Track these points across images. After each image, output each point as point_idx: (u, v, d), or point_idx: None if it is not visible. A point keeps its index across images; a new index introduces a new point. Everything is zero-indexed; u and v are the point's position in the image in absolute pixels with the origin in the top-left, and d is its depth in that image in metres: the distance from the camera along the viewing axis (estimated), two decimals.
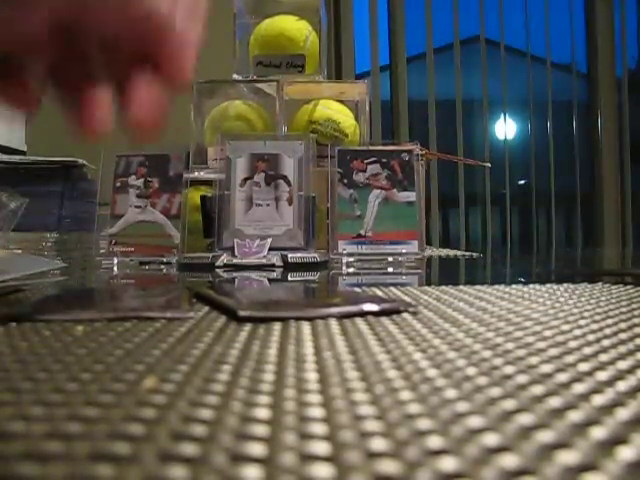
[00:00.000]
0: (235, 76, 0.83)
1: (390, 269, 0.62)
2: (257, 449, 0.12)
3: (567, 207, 2.59)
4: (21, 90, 0.29)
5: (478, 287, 0.38)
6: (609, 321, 0.26)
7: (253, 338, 0.23)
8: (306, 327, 0.25)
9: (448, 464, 0.11)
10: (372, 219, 0.68)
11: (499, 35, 2.27)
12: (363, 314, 0.27)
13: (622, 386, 0.16)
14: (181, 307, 0.30)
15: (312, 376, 0.17)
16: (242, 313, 0.27)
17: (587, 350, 0.21)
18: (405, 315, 0.28)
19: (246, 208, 0.66)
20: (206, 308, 0.31)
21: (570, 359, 0.19)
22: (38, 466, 0.11)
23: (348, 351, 0.21)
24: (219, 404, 0.15)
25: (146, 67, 0.27)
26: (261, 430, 0.13)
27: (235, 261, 0.60)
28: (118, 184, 0.68)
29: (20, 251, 0.72)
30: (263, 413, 0.14)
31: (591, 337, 0.23)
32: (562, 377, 0.17)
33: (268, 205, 0.66)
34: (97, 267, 0.64)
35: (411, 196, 0.70)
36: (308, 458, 0.11)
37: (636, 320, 0.27)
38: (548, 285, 0.39)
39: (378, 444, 0.12)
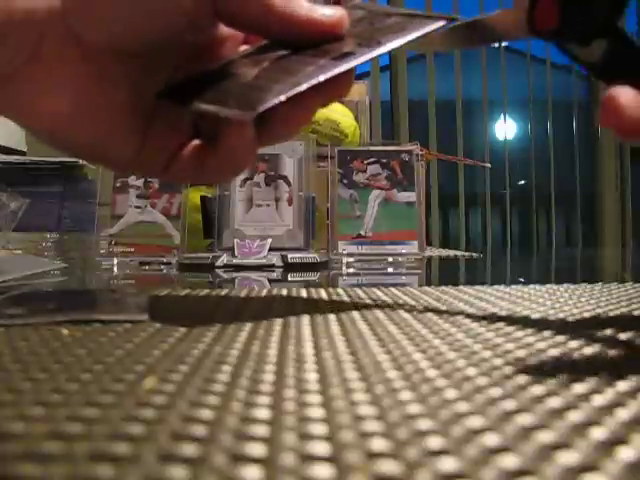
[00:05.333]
0: None
1: (390, 269, 0.62)
2: (257, 449, 0.12)
3: (567, 207, 2.59)
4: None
5: (478, 287, 0.38)
6: (609, 321, 0.26)
7: (253, 338, 0.23)
8: (306, 328, 0.25)
9: (448, 464, 0.11)
10: (372, 219, 0.68)
11: None
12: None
13: (622, 386, 0.16)
14: (134, 310, 0.29)
15: (312, 376, 0.17)
16: None
17: (587, 350, 0.21)
18: (405, 315, 0.28)
19: (246, 208, 0.66)
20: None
21: (570, 359, 0.19)
22: (38, 466, 0.11)
23: (348, 351, 0.21)
24: (219, 404, 0.15)
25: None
26: (261, 430, 0.13)
27: (235, 261, 0.60)
28: (118, 184, 0.68)
29: (20, 251, 0.72)
30: (263, 413, 0.14)
31: (591, 337, 0.23)
32: (562, 377, 0.17)
33: (268, 205, 0.66)
34: (97, 267, 0.64)
35: (411, 196, 0.70)
36: (308, 458, 0.11)
37: (636, 320, 0.27)
38: (548, 285, 0.39)
39: (378, 444, 0.12)
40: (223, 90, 0.26)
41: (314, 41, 0.27)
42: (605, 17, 0.25)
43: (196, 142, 0.30)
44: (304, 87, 0.25)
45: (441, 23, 0.28)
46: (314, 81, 0.25)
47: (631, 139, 0.22)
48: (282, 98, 0.24)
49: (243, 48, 0.30)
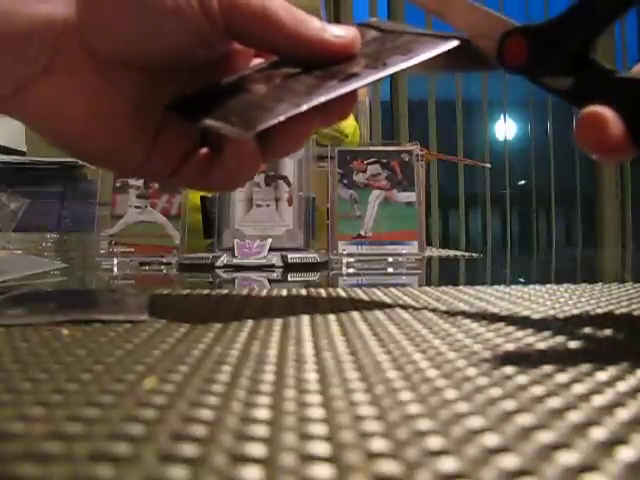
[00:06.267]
0: None
1: (390, 269, 0.62)
2: (257, 449, 0.12)
3: (567, 207, 2.59)
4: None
5: (478, 287, 0.38)
6: (609, 321, 0.26)
7: (253, 338, 0.23)
8: (306, 328, 0.25)
9: (448, 464, 0.11)
10: (372, 219, 0.68)
11: None
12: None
13: (622, 386, 0.16)
14: (134, 310, 0.29)
15: (312, 376, 0.17)
16: None
17: (587, 350, 0.21)
18: (405, 315, 0.28)
19: (246, 208, 0.66)
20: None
21: (570, 359, 0.19)
22: (38, 466, 0.11)
23: (348, 351, 0.21)
24: (219, 404, 0.15)
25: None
26: (261, 430, 0.13)
27: (235, 261, 0.60)
28: (118, 184, 0.68)
29: (20, 251, 0.72)
30: (263, 413, 0.14)
31: (591, 337, 0.23)
32: (562, 377, 0.17)
33: (268, 206, 0.66)
34: (97, 267, 0.64)
35: (411, 196, 0.70)
36: (308, 458, 0.11)
37: (636, 320, 0.27)
38: (548, 285, 0.39)
39: (378, 444, 0.12)
40: (229, 107, 0.27)
41: (325, 60, 0.27)
42: (574, 54, 0.25)
43: (204, 150, 0.30)
44: (304, 108, 0.25)
45: (452, 44, 0.28)
46: (314, 102, 0.25)
47: (609, 155, 0.22)
48: (281, 118, 0.25)
49: (256, 62, 0.30)
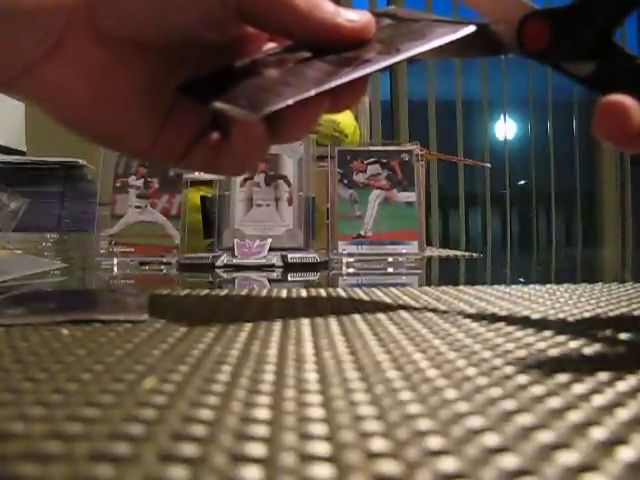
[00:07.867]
0: None
1: (390, 269, 0.62)
2: (257, 449, 0.12)
3: (567, 207, 2.59)
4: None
5: (478, 287, 0.38)
6: (609, 321, 0.26)
7: (253, 338, 0.23)
8: (306, 327, 0.25)
9: (448, 464, 0.11)
10: (372, 219, 0.68)
11: None
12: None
13: (622, 386, 0.16)
14: (134, 310, 0.29)
15: (312, 376, 0.17)
16: None
17: (587, 350, 0.21)
18: (405, 315, 0.28)
19: (246, 208, 0.66)
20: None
21: (570, 359, 0.19)
22: (38, 466, 0.11)
23: (348, 351, 0.21)
24: (219, 404, 0.15)
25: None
26: (261, 430, 0.13)
27: (235, 261, 0.60)
28: (118, 184, 0.68)
29: (20, 251, 0.72)
30: (263, 413, 0.14)
31: (591, 337, 0.23)
32: (562, 377, 0.17)
33: (268, 205, 0.66)
34: (97, 267, 0.64)
35: (411, 196, 0.69)
36: (308, 458, 0.11)
37: (636, 320, 0.27)
38: (548, 285, 0.39)
39: (378, 444, 0.12)
40: (238, 90, 0.27)
41: (338, 45, 0.27)
42: (597, 37, 0.24)
43: (213, 134, 0.30)
44: (313, 93, 0.25)
45: (467, 30, 0.27)
46: (324, 87, 0.25)
47: (630, 145, 0.21)
48: (289, 102, 0.25)
49: (270, 46, 0.30)
